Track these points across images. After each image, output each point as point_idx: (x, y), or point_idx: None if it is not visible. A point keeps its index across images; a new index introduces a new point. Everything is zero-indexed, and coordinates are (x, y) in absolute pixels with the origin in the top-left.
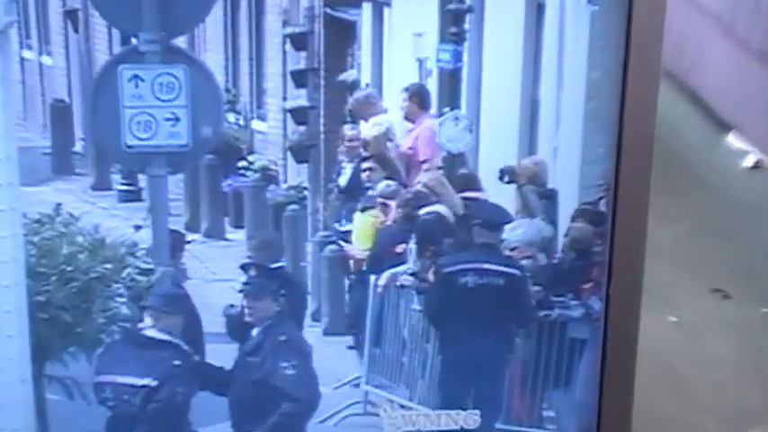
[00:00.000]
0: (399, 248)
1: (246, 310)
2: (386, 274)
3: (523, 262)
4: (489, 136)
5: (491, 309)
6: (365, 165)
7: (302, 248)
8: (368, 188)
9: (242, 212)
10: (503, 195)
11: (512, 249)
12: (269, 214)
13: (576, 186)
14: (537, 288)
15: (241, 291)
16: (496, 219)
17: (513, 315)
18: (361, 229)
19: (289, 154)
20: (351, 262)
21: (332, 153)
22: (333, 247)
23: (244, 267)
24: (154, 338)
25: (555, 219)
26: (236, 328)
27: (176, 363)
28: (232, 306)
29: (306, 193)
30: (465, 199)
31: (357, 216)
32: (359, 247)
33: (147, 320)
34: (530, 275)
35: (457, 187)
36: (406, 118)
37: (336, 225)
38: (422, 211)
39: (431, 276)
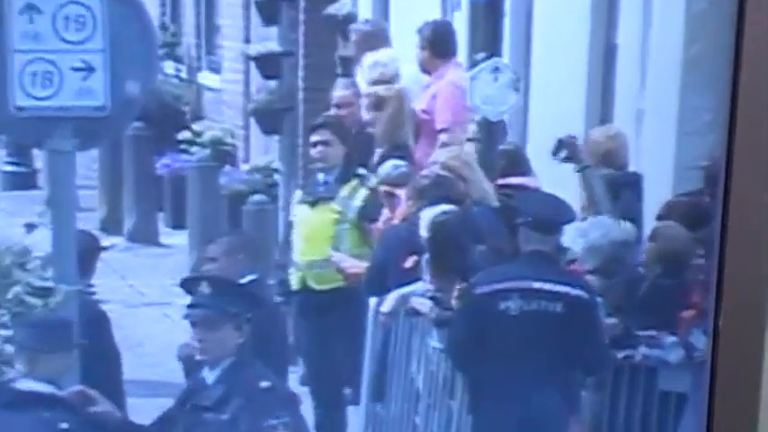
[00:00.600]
0: (410, 261)
1: (196, 344)
2: (392, 297)
3: (588, 279)
4: (544, 96)
5: (545, 347)
6: (315, 137)
7: (270, 257)
8: (320, 170)
9: (183, 206)
10: (563, 182)
11: (570, 262)
12: (223, 208)
13: (669, 169)
14: (612, 319)
15: (187, 316)
16: (552, 216)
17: (578, 357)
18: (312, 231)
19: (253, 121)
20: (292, 271)
21: (315, 120)
22: None
23: (187, 283)
24: (29, 392)
25: (637, 215)
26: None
27: (63, 427)
28: (188, 345)
29: (277, 177)
30: (506, 187)
31: (301, 211)
32: (302, 254)
33: (20, 366)
34: (601, 299)
35: (494, 171)
36: (423, 69)
37: None
38: (431, 212)
39: (455, 301)
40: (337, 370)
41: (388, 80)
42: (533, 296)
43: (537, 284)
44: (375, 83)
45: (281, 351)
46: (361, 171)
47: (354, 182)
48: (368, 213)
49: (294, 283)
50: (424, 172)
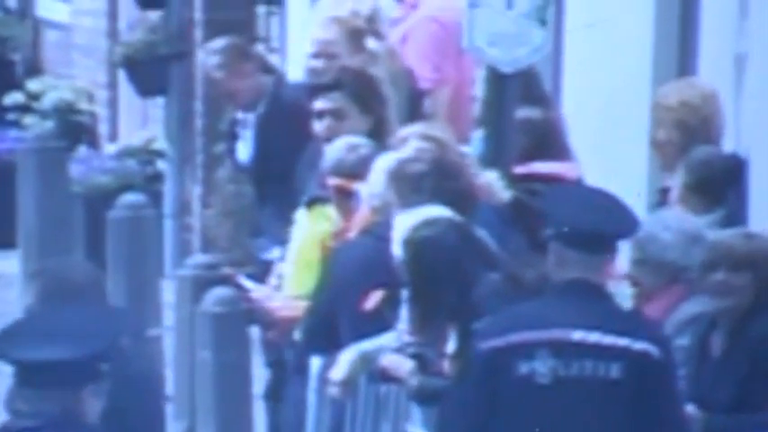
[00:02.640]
0: (373, 299)
1: None
2: (348, 356)
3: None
4: (587, 34)
5: None
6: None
7: (152, 293)
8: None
9: (13, 212)
10: (618, 171)
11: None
12: (76, 214)
13: None
14: (692, 405)
15: None
16: (601, 224)
17: None
18: (297, 250)
19: (122, 75)
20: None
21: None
22: (221, 291)
23: None
24: None
25: (741, 210)
26: None
27: None
28: None
29: (161, 165)
30: (529, 179)
31: (301, 217)
32: (294, 287)
33: None
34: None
35: (510, 153)
36: None
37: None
38: (409, 219)
39: (450, 362)
40: None
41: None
42: (574, 353)
43: (579, 335)
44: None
45: None
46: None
47: None
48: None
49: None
50: (408, 152)
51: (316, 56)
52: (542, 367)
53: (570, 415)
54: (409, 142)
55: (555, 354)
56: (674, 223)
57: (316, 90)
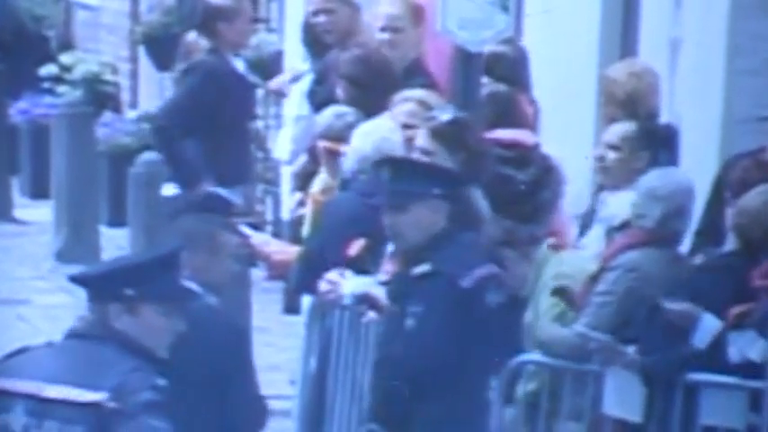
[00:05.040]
0: (355, 246)
1: None
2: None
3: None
4: (544, 19)
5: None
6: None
7: (165, 238)
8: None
9: (47, 168)
10: (569, 138)
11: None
12: (101, 170)
13: (715, 120)
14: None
15: None
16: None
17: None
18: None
19: (142, 51)
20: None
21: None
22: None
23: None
24: None
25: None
26: None
27: None
28: None
29: None
30: (495, 145)
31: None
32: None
33: None
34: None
35: (478, 121)
36: None
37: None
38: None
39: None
40: None
41: None
42: (500, 283)
43: (495, 269)
44: None
45: None
46: None
47: None
48: None
49: None
50: (402, 112)
51: (383, 29)
52: (494, 296)
53: (505, 333)
54: (406, 103)
55: (497, 285)
56: (647, 180)
57: None
